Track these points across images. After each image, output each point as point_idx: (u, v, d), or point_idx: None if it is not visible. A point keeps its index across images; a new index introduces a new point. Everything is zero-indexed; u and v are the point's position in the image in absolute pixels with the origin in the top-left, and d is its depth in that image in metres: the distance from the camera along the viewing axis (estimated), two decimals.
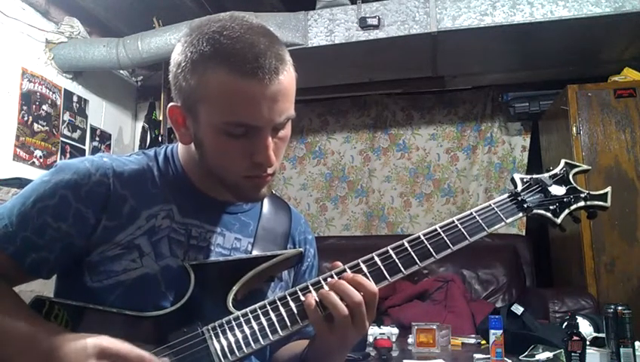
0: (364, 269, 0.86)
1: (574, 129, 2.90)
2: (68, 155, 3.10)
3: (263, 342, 0.82)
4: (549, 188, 0.97)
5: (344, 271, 0.86)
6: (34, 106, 2.87)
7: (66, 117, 3.12)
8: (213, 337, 0.82)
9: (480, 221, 0.92)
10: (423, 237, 0.90)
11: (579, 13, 2.63)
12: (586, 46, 3.05)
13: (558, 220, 0.95)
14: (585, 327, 2.18)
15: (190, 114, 0.86)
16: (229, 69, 0.79)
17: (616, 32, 2.84)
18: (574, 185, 0.98)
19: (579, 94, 2.93)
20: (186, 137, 0.90)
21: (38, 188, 0.87)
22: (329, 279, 0.85)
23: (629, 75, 2.99)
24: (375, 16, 2.81)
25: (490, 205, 0.94)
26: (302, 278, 1.07)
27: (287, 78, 0.83)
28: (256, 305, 0.85)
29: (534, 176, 0.99)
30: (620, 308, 1.95)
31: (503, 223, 0.93)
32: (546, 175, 0.99)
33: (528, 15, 2.69)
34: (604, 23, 2.69)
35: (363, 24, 2.82)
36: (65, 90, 3.12)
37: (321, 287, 0.84)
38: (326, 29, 2.89)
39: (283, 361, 1.03)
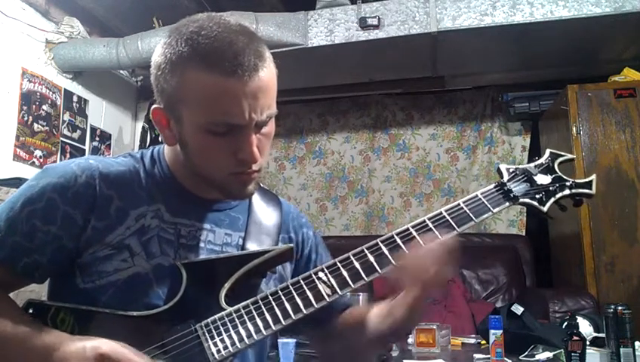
0: (355, 263, 0.87)
1: (574, 129, 2.90)
2: (68, 155, 3.10)
3: (256, 337, 0.82)
4: (535, 178, 0.98)
5: (335, 265, 0.87)
6: (34, 106, 2.87)
7: (66, 117, 3.13)
8: (207, 334, 0.83)
9: (467, 211, 0.93)
10: (411, 229, 0.91)
11: (579, 13, 2.63)
12: (586, 46, 3.04)
13: (545, 208, 0.96)
14: (585, 327, 2.19)
15: (173, 115, 0.86)
16: (208, 68, 0.80)
17: (616, 32, 2.84)
18: (559, 173, 0.99)
19: (579, 94, 2.93)
20: (171, 138, 0.90)
21: (26, 193, 0.87)
22: (320, 273, 0.86)
23: (629, 75, 2.98)
24: (375, 16, 2.81)
25: (477, 195, 0.95)
26: (308, 260, 1.09)
27: (267, 74, 0.84)
28: (249, 301, 0.85)
29: (520, 166, 1.00)
30: (620, 308, 1.95)
31: (490, 213, 0.94)
32: (532, 165, 1.00)
33: (528, 15, 2.69)
34: (604, 23, 2.69)
35: (363, 24, 2.82)
36: (65, 90, 3.12)
37: (313, 281, 0.86)
38: (326, 29, 2.89)
39: (347, 327, 1.05)
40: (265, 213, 1.03)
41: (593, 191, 0.98)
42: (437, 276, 0.88)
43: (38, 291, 0.99)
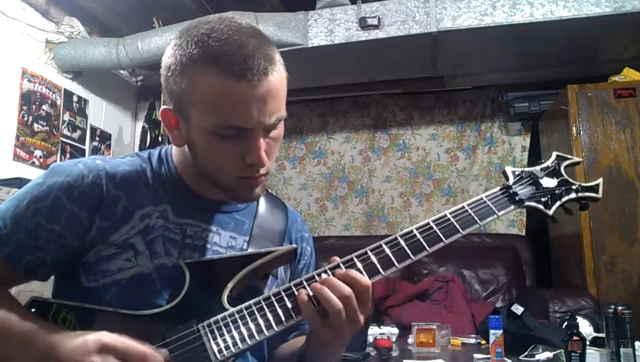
0: (358, 264, 0.86)
1: (574, 129, 2.90)
2: (68, 155, 3.10)
3: (258, 338, 0.82)
4: (541, 181, 0.97)
5: (338, 266, 0.86)
6: (34, 106, 2.87)
7: (66, 117, 3.12)
8: (209, 334, 0.83)
9: (472, 214, 0.91)
10: (415, 231, 0.89)
11: (579, 13, 2.63)
12: (586, 46, 3.05)
13: (550, 212, 0.95)
14: (585, 327, 2.18)
15: (182, 116, 0.86)
16: (218, 71, 0.80)
17: (616, 32, 2.84)
18: (566, 177, 0.98)
19: (579, 94, 2.93)
20: (179, 140, 0.90)
21: (32, 191, 0.88)
22: (322, 274, 0.85)
23: (629, 75, 2.99)
24: (375, 16, 2.81)
25: (482, 198, 0.94)
26: (299, 276, 1.07)
27: (277, 78, 0.83)
28: (251, 302, 0.85)
29: (526, 168, 0.99)
30: (620, 308, 1.94)
31: (495, 216, 0.92)
32: (538, 168, 0.99)
33: (528, 15, 2.69)
34: (604, 23, 2.69)
35: (363, 24, 2.82)
36: (65, 90, 3.12)
37: (315, 282, 0.84)
38: (326, 29, 2.89)
39: (282, 357, 1.03)
40: (270, 220, 1.03)
41: (600, 195, 0.97)
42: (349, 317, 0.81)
43: (39, 290, 0.99)
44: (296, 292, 0.84)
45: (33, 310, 0.84)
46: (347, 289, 0.80)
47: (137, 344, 0.75)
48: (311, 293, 0.82)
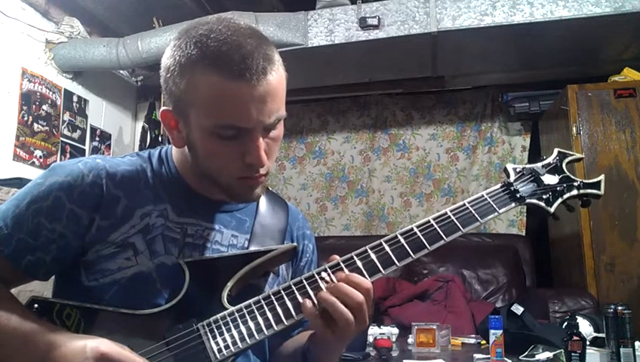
0: (358, 262, 0.86)
1: (574, 129, 2.90)
2: (68, 155, 3.10)
3: (257, 337, 0.82)
4: (542, 178, 0.96)
5: (338, 264, 0.86)
6: (34, 106, 2.87)
7: (66, 117, 3.12)
8: (209, 333, 0.83)
9: (473, 211, 0.91)
10: (416, 229, 0.89)
11: (579, 13, 2.63)
12: (586, 46, 3.05)
13: (552, 209, 0.94)
14: (585, 327, 2.19)
15: (182, 117, 0.86)
16: (217, 71, 0.80)
17: (616, 32, 2.84)
18: (567, 173, 0.98)
19: (579, 94, 2.93)
20: (179, 140, 0.90)
21: (32, 191, 0.88)
22: (322, 273, 0.85)
23: (629, 75, 2.99)
24: (375, 16, 2.81)
25: (482, 195, 0.93)
26: (301, 274, 1.07)
27: (276, 78, 0.83)
28: (251, 301, 0.85)
29: (527, 165, 0.98)
30: (620, 308, 1.95)
31: (496, 213, 0.92)
32: (539, 164, 0.98)
33: (528, 15, 2.69)
34: (604, 23, 2.69)
35: (363, 24, 2.82)
36: (65, 90, 3.12)
37: (315, 281, 0.84)
38: (326, 29, 2.89)
39: (286, 354, 1.03)
40: (271, 217, 1.03)
41: (602, 191, 0.96)
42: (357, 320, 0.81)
43: (39, 290, 0.99)
44: (296, 292, 0.84)
45: (36, 306, 0.84)
46: (359, 296, 0.80)
47: (135, 356, 0.76)
48: (317, 301, 0.82)
